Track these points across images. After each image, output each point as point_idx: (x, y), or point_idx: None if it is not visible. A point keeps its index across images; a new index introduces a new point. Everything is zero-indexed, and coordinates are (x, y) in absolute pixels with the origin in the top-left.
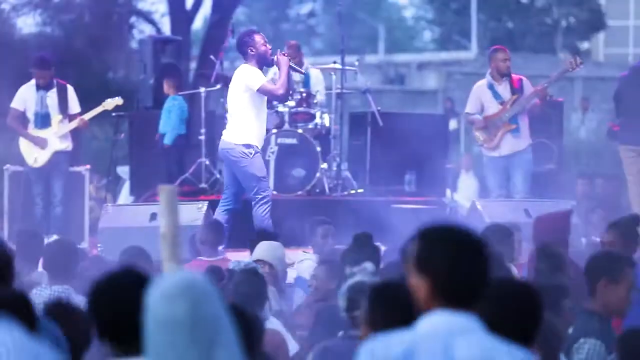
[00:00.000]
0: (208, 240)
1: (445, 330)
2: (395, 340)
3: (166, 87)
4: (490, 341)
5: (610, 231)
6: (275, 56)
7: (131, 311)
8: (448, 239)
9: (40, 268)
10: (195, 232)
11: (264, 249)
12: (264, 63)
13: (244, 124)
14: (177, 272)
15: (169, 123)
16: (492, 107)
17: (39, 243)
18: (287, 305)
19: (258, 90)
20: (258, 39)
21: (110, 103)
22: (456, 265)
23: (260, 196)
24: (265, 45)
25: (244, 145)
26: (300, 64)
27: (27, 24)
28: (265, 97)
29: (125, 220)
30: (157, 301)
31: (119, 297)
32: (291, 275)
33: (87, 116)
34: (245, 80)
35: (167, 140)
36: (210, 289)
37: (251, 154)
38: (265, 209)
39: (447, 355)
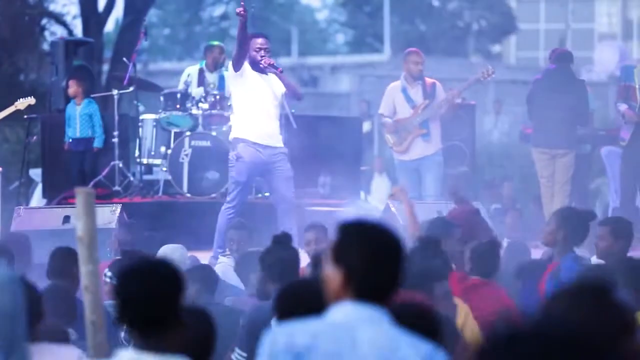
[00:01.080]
0: (128, 240)
1: (352, 320)
2: (300, 328)
3: (74, 90)
4: (396, 332)
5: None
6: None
7: (162, 303)
8: (367, 233)
9: None
10: (115, 234)
11: (166, 249)
12: (254, 68)
13: (235, 119)
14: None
15: (89, 126)
16: (404, 111)
17: None
18: None
19: (232, 61)
20: (252, 43)
21: (23, 103)
22: (372, 259)
23: (230, 200)
24: (257, 51)
25: (234, 140)
26: (222, 65)
27: None
28: (261, 93)
29: (38, 223)
30: None
31: (151, 289)
32: None
33: (0, 116)
34: (228, 72)
35: (99, 144)
36: (16, 281)
37: (237, 157)
38: (230, 214)
39: (352, 344)
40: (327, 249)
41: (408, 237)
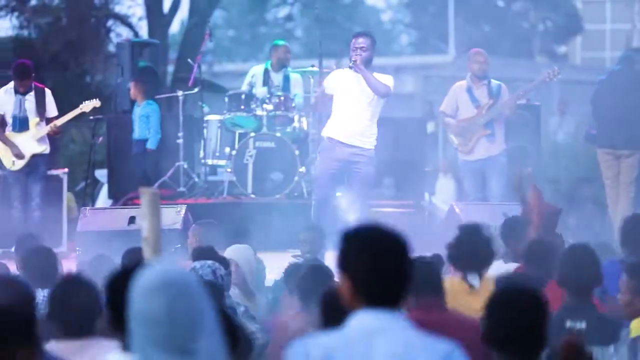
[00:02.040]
0: (210, 239)
1: (367, 330)
2: (316, 342)
3: (134, 92)
4: (412, 337)
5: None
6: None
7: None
8: (367, 239)
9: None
10: (193, 233)
11: (233, 249)
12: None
13: (330, 117)
14: (156, 268)
15: (147, 128)
16: (468, 110)
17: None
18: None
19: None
20: (352, 42)
21: (88, 105)
22: (374, 265)
23: (314, 196)
24: (353, 51)
25: (324, 137)
26: (287, 65)
27: (4, 27)
28: (351, 92)
29: (104, 223)
30: (137, 297)
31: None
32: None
33: (66, 118)
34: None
35: (151, 145)
36: (188, 282)
37: (318, 152)
38: (315, 209)
39: (367, 354)
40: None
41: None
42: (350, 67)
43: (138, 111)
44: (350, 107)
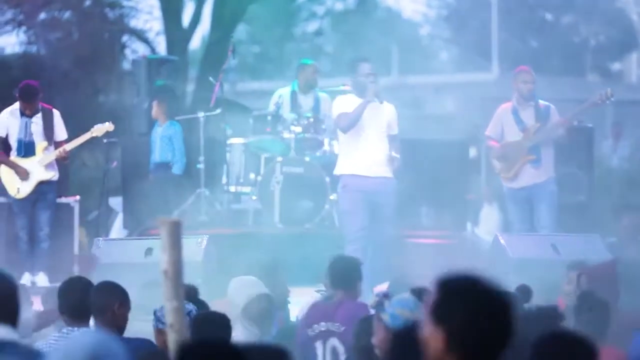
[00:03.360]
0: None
1: None
2: None
3: (155, 111)
4: None
5: None
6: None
7: None
8: (469, 291)
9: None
10: None
11: (235, 284)
12: (361, 94)
13: (341, 150)
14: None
15: (169, 150)
16: (513, 133)
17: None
18: None
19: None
20: (361, 67)
21: (100, 129)
22: (474, 320)
23: (348, 237)
24: (366, 77)
25: (339, 176)
26: (315, 86)
27: (11, 43)
28: (365, 122)
29: (119, 255)
30: None
31: None
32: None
33: (76, 143)
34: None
35: (177, 170)
36: None
37: (342, 186)
38: (351, 250)
39: None
40: (427, 308)
41: None
42: (378, 100)
43: (160, 132)
44: (368, 138)
